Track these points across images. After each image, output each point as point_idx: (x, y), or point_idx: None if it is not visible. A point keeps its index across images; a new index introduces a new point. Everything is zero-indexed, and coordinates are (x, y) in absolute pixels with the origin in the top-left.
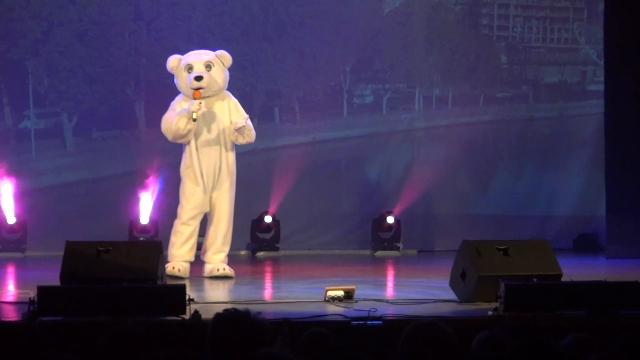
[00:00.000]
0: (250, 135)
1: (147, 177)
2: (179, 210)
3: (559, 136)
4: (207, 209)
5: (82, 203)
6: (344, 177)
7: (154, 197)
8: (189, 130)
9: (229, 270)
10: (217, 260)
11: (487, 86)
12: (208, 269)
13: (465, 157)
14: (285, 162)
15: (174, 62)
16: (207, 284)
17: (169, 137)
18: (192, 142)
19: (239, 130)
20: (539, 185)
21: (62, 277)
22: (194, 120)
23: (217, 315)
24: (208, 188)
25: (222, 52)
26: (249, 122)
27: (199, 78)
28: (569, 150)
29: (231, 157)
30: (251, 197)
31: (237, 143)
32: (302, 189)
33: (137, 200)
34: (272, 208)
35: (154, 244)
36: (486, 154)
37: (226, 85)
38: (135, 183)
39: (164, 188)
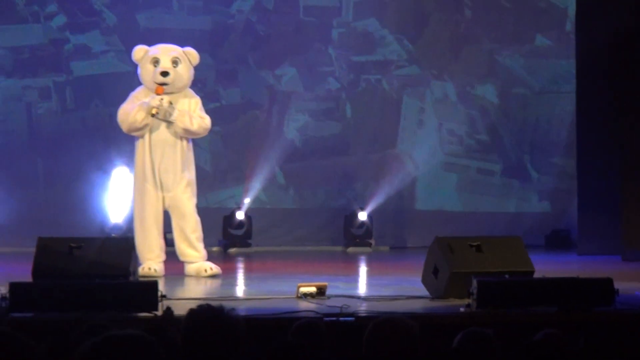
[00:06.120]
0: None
1: (119, 173)
2: (134, 209)
3: (532, 132)
4: (162, 207)
5: (54, 199)
6: (316, 173)
7: (126, 193)
8: (146, 125)
9: (216, 269)
10: (198, 258)
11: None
12: (193, 269)
13: (437, 152)
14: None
15: (139, 52)
16: (180, 280)
17: (124, 127)
18: (146, 137)
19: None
20: (512, 181)
21: (34, 273)
22: (153, 115)
23: (191, 311)
24: (163, 186)
25: (189, 49)
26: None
27: (165, 74)
28: (541, 146)
29: (190, 154)
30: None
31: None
32: (274, 185)
33: (110, 196)
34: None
35: (126, 240)
36: (460, 149)
37: (190, 83)
38: (108, 179)
39: None
